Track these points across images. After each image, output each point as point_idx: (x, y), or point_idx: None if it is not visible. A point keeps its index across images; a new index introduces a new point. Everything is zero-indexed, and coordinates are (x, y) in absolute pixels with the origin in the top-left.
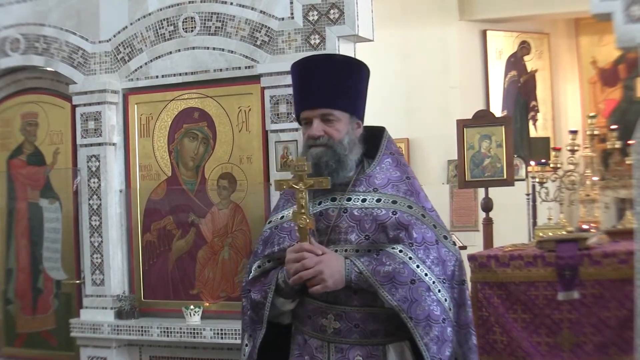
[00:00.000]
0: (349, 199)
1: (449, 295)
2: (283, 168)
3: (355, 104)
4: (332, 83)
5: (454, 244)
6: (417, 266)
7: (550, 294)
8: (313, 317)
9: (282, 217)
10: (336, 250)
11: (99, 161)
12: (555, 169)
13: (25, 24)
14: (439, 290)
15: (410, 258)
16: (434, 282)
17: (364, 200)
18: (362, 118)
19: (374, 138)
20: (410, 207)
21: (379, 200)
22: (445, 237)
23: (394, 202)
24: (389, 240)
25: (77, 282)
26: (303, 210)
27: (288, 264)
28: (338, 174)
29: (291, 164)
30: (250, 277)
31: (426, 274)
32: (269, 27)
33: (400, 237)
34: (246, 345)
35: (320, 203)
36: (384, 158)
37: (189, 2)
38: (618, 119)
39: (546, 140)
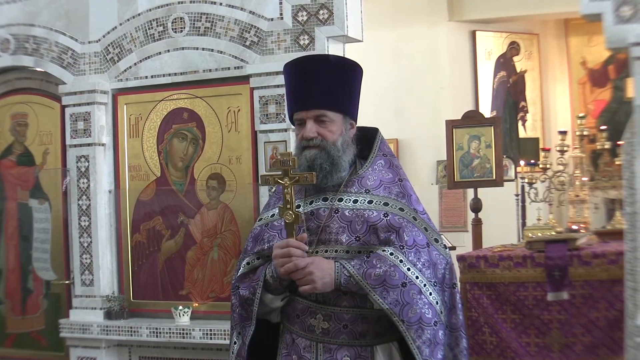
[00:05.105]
0: (340, 200)
1: (440, 298)
2: (272, 168)
3: (348, 104)
4: (326, 84)
5: (445, 247)
6: (408, 269)
7: (539, 294)
8: (302, 316)
9: (273, 215)
10: (326, 251)
11: (88, 161)
12: (545, 169)
13: (15, 25)
14: (431, 293)
15: (401, 261)
16: (425, 285)
17: (355, 201)
18: (355, 119)
19: (367, 139)
20: (401, 209)
21: (370, 202)
22: (437, 240)
23: (386, 204)
24: (379, 242)
25: (67, 282)
26: (289, 206)
27: (275, 259)
28: (332, 176)
29: (277, 158)
30: (239, 274)
31: (417, 277)
32: (258, 28)
33: (391, 239)
34: (235, 342)
35: (311, 202)
36: (377, 159)
37: (179, 3)
38: (607, 120)
39: (535, 140)
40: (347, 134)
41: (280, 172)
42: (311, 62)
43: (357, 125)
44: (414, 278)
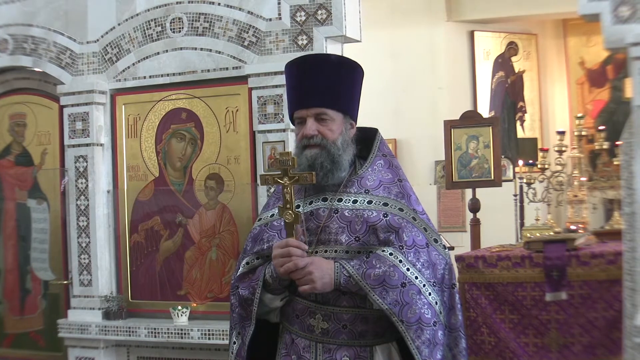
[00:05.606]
0: (340, 200)
1: (440, 299)
2: (270, 168)
3: (349, 104)
4: (327, 83)
5: (445, 247)
6: (408, 269)
7: (538, 294)
8: (301, 316)
9: (272, 215)
10: (326, 251)
11: (86, 162)
12: (543, 169)
13: (13, 25)
14: (430, 294)
15: (400, 261)
16: (424, 285)
17: (355, 202)
18: (355, 119)
19: (367, 139)
20: (401, 209)
21: (370, 202)
22: (436, 241)
23: (385, 204)
24: (379, 243)
25: (65, 282)
26: (288, 206)
27: (275, 259)
28: (333, 175)
29: (276, 158)
30: (238, 274)
31: (416, 277)
32: (256, 28)
33: (390, 239)
34: (234, 342)
35: (311, 203)
36: (376, 160)
37: (177, 3)
38: (606, 120)
39: (534, 141)
40: (347, 134)
41: (279, 172)
42: (312, 61)
43: (356, 126)
44: (414, 278)
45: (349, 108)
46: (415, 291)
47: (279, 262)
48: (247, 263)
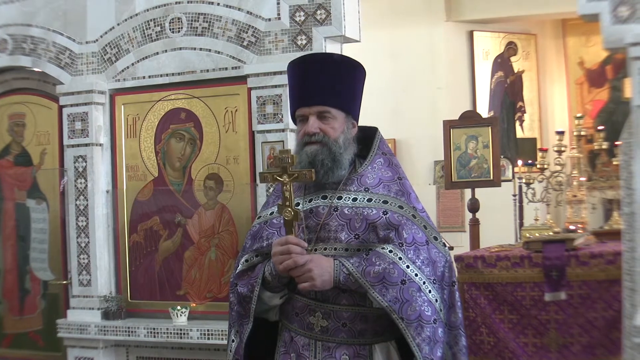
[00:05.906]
0: (339, 198)
1: (440, 296)
2: (270, 168)
3: (351, 103)
4: (330, 81)
5: (445, 245)
6: (407, 266)
7: (537, 294)
8: (301, 314)
9: (272, 212)
10: (325, 249)
11: (85, 162)
12: (542, 169)
13: (12, 25)
14: (430, 291)
15: (400, 258)
16: (424, 283)
17: (354, 200)
18: (357, 119)
19: (367, 138)
20: (401, 207)
21: (369, 200)
22: (436, 238)
23: (385, 202)
24: (379, 240)
25: (64, 282)
26: (287, 203)
27: (274, 256)
28: (333, 173)
29: (276, 156)
30: (237, 271)
31: (416, 275)
32: (255, 28)
33: (390, 237)
34: (233, 341)
35: (311, 200)
36: (376, 158)
37: (176, 3)
38: (605, 120)
39: (533, 141)
40: (349, 132)
41: (278, 170)
42: (315, 59)
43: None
44: (413, 275)
45: (351, 107)
46: (415, 288)
47: (279, 259)
48: (247, 260)
